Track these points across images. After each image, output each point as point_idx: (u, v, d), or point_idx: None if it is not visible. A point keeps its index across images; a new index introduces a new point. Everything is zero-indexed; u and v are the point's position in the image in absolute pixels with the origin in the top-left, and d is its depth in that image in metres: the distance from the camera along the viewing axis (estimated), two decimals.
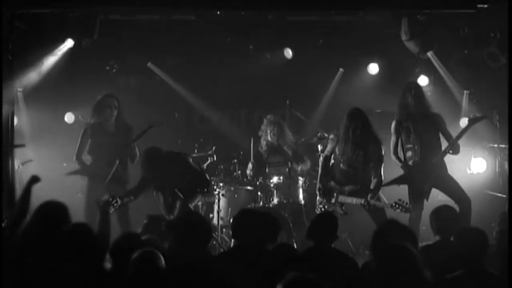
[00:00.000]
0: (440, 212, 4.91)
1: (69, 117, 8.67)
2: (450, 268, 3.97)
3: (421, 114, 6.71)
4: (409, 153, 6.68)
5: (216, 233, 7.14)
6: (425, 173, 6.57)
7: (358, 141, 6.57)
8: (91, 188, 7.03)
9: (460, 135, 6.63)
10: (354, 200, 6.52)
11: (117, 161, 6.84)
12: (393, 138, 6.83)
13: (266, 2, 7.79)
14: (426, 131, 6.65)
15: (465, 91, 8.52)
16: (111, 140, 7.00)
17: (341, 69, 9.08)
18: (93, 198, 6.70)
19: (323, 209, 6.76)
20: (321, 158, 7.02)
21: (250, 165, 7.94)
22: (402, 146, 6.70)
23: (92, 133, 7.09)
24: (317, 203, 6.85)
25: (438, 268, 3.89)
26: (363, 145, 6.58)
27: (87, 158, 7.20)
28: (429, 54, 8.30)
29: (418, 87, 7.04)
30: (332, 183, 6.76)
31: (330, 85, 9.12)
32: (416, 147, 6.62)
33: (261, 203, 7.56)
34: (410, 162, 6.67)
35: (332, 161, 6.79)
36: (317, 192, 6.82)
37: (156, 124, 7.22)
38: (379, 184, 6.52)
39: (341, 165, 6.66)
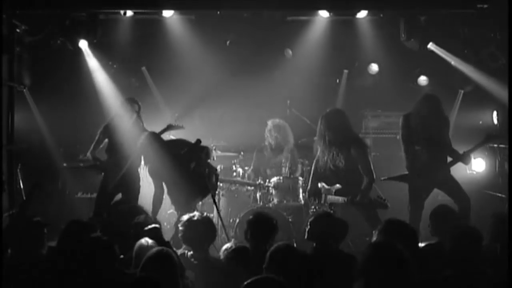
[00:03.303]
0: (438, 213, 4.92)
1: None
2: (450, 268, 3.97)
3: (433, 118, 6.55)
4: (416, 154, 6.55)
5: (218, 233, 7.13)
6: (430, 176, 6.48)
7: (331, 140, 6.56)
8: (104, 184, 7.10)
9: (474, 149, 6.46)
10: (340, 199, 6.56)
11: (130, 159, 6.90)
12: (403, 132, 6.66)
13: (266, 2, 7.81)
14: (435, 133, 6.50)
15: (460, 91, 8.51)
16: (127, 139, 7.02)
17: (345, 71, 9.08)
18: (105, 193, 6.94)
19: (314, 210, 6.97)
20: (313, 164, 7.01)
21: (250, 170, 8.05)
22: (409, 145, 6.59)
23: (110, 131, 7.13)
24: (309, 204, 7.03)
25: (438, 268, 3.90)
26: (342, 147, 6.54)
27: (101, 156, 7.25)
28: (432, 46, 8.28)
29: (438, 102, 6.66)
30: (323, 184, 6.79)
31: (333, 85, 9.12)
32: (423, 150, 6.50)
33: (261, 203, 7.56)
34: (417, 163, 6.54)
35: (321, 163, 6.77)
36: (305, 193, 6.96)
37: (175, 128, 7.38)
38: (370, 183, 6.47)
39: (328, 164, 6.66)
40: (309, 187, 6.95)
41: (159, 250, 3.84)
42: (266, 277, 2.95)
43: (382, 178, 6.76)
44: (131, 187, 7.01)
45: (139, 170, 7.14)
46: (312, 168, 6.97)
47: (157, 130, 7.05)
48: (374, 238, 4.00)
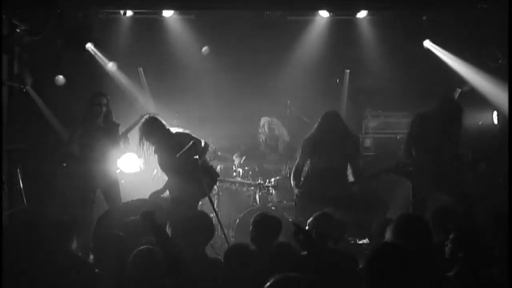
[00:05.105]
0: (440, 213, 4.92)
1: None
2: (451, 269, 3.97)
3: (448, 122, 6.43)
4: (422, 155, 6.45)
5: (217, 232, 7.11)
6: (435, 177, 6.41)
7: (325, 142, 6.50)
8: (82, 183, 7.00)
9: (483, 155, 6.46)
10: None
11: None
12: (413, 131, 6.54)
13: (266, 2, 7.81)
14: (446, 137, 6.39)
15: (457, 89, 8.51)
16: (100, 134, 6.94)
17: (347, 71, 9.07)
18: (86, 193, 6.90)
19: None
20: (293, 169, 6.74)
21: (237, 158, 8.02)
22: (415, 144, 6.51)
23: (83, 128, 7.00)
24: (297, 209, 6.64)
25: (440, 268, 3.90)
26: (338, 143, 6.48)
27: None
28: (428, 44, 8.26)
29: (455, 108, 6.48)
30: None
31: (333, 85, 9.13)
32: (430, 152, 6.40)
33: (261, 203, 7.56)
34: (423, 164, 6.42)
35: (306, 168, 6.65)
36: (295, 197, 6.62)
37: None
38: (357, 172, 6.47)
39: (316, 166, 6.54)
40: (297, 190, 6.57)
41: (142, 249, 3.87)
42: (288, 276, 2.91)
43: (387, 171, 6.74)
44: (110, 183, 6.95)
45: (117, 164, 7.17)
46: (293, 176, 6.66)
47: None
48: (387, 234, 3.96)
